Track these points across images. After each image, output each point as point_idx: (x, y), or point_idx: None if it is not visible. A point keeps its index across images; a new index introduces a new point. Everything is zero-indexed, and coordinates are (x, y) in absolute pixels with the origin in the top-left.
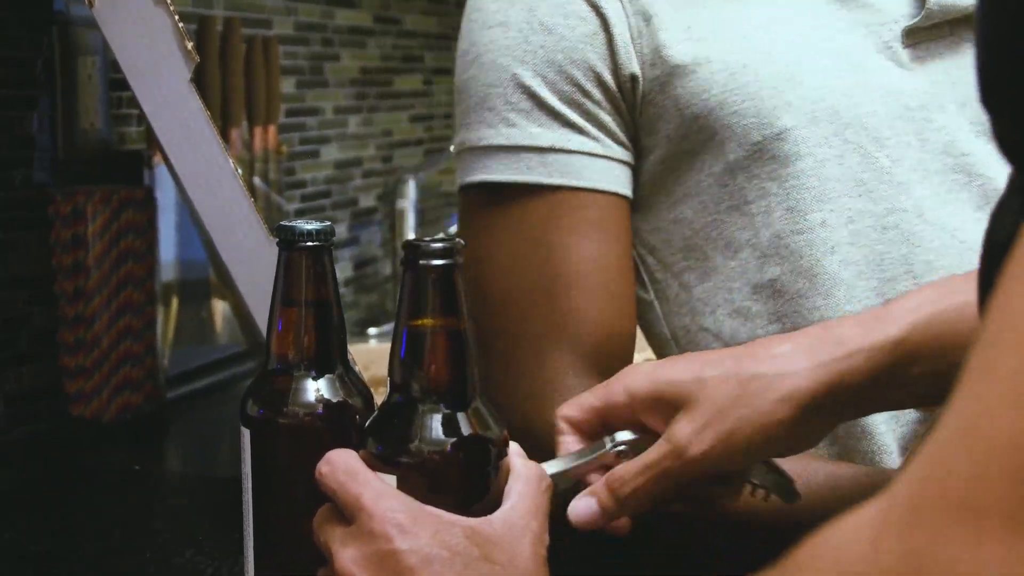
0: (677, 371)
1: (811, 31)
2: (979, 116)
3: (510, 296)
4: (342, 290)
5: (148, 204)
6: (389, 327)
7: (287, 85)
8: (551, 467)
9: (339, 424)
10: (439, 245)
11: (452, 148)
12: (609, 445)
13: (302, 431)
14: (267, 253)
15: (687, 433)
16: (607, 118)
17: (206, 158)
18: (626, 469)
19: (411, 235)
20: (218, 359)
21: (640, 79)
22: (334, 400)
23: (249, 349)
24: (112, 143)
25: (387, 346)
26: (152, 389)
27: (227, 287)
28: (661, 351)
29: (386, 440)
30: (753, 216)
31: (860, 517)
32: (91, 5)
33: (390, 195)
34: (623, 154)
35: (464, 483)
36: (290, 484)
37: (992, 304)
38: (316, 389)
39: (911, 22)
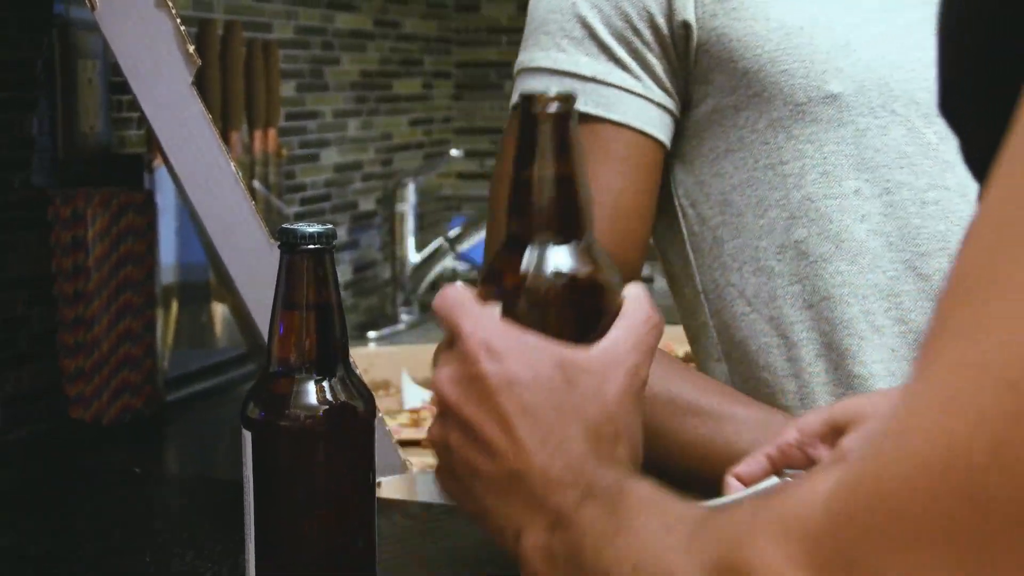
0: (846, 402)
1: (877, 2)
2: None
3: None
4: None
5: (148, 207)
6: (389, 330)
7: (287, 88)
8: (717, 501)
9: (340, 426)
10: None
11: (514, 70)
12: (777, 478)
13: (303, 434)
14: (267, 256)
15: (858, 442)
16: (654, 60)
17: (207, 161)
18: None
19: (411, 239)
20: (217, 362)
21: (694, 28)
22: (335, 402)
23: (248, 352)
24: (112, 146)
25: (387, 350)
26: (152, 391)
27: (227, 289)
28: (691, 312)
29: (494, 278)
30: (786, 177)
31: (806, 489)
32: (93, 8)
33: (389, 199)
34: (664, 98)
35: (571, 320)
36: (291, 486)
37: (941, 299)
38: (317, 392)
39: None
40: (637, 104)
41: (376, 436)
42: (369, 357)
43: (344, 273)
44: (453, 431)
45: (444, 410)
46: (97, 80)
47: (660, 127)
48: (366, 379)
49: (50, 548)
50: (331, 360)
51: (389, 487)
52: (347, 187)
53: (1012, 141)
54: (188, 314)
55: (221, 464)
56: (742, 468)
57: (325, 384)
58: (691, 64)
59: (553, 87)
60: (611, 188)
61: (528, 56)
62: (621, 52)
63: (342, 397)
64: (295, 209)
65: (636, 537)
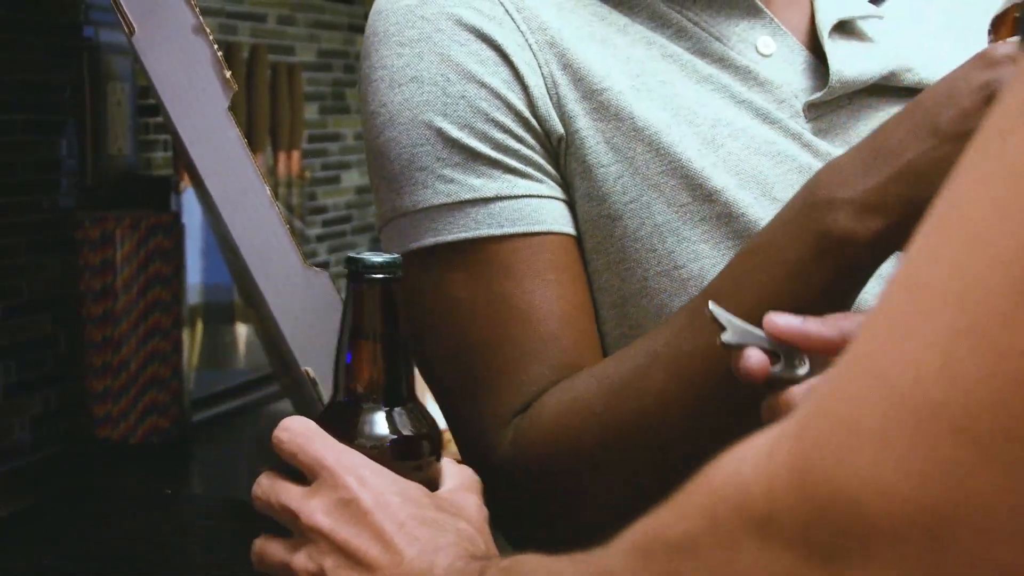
0: None
1: (721, 104)
2: None
3: (476, 351)
4: None
5: (175, 229)
6: None
7: (310, 111)
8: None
9: (408, 457)
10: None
11: (378, 219)
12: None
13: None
14: (301, 278)
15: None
16: (543, 161)
17: (242, 184)
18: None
19: None
20: (241, 383)
21: (556, 129)
22: (403, 433)
23: (273, 372)
24: (139, 168)
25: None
26: (178, 412)
27: (256, 311)
28: None
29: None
30: (685, 281)
31: (758, 437)
32: (131, 32)
33: None
34: (563, 192)
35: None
36: None
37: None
38: (385, 422)
39: (812, 97)
40: (551, 207)
41: None
42: None
43: None
44: (328, 557)
45: (314, 538)
46: (125, 103)
47: (573, 222)
48: None
49: (76, 568)
50: (399, 390)
51: None
52: (367, 209)
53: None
54: (213, 335)
55: (246, 485)
56: (780, 319)
57: (393, 414)
58: (561, 167)
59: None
60: (550, 298)
61: (409, 200)
62: (513, 162)
63: (409, 427)
64: (316, 231)
65: None
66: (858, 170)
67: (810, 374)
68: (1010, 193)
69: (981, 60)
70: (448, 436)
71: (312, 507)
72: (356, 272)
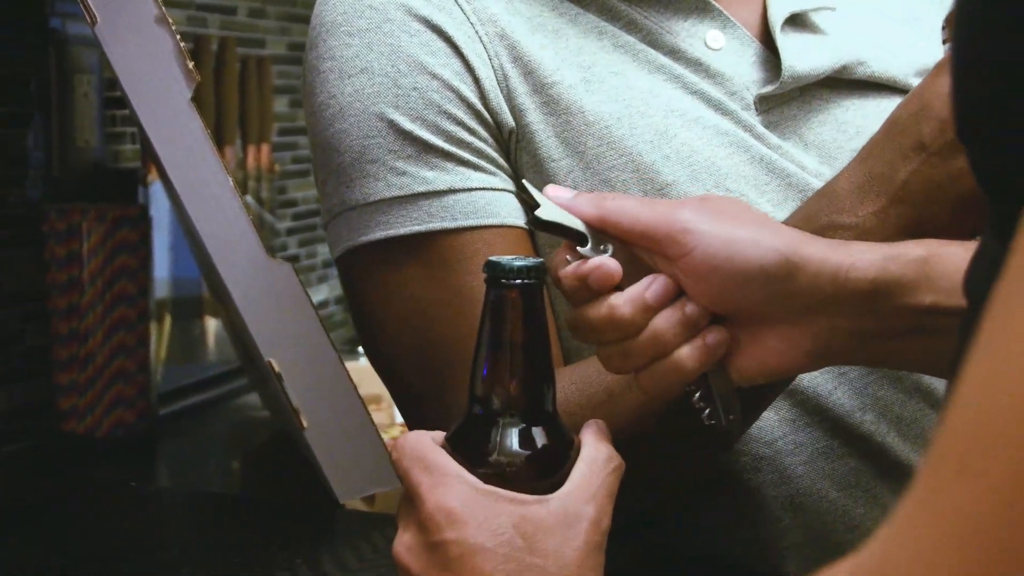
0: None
1: (674, 94)
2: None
3: (436, 347)
4: (331, 309)
5: (142, 222)
6: None
7: (280, 104)
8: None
9: (546, 473)
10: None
11: (324, 215)
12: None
13: (506, 482)
14: (264, 270)
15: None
16: (495, 154)
17: (206, 177)
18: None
19: None
20: (210, 376)
21: (507, 121)
22: (540, 449)
23: (241, 366)
24: (107, 161)
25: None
26: (145, 405)
27: (222, 304)
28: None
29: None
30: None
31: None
32: (93, 23)
33: None
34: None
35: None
36: None
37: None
38: (523, 437)
39: (763, 90)
40: (504, 199)
41: (370, 449)
42: (360, 372)
43: (334, 288)
44: None
45: (400, 571)
46: (92, 95)
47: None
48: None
49: (43, 562)
50: (540, 404)
51: (384, 500)
52: None
53: None
54: (181, 328)
55: (213, 478)
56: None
57: (532, 430)
58: (513, 160)
59: (433, 222)
60: None
61: (360, 192)
62: (466, 154)
63: (547, 443)
64: (287, 224)
65: None
66: (854, 196)
67: (615, 254)
68: None
69: (946, 66)
70: None
71: (403, 546)
72: (495, 277)
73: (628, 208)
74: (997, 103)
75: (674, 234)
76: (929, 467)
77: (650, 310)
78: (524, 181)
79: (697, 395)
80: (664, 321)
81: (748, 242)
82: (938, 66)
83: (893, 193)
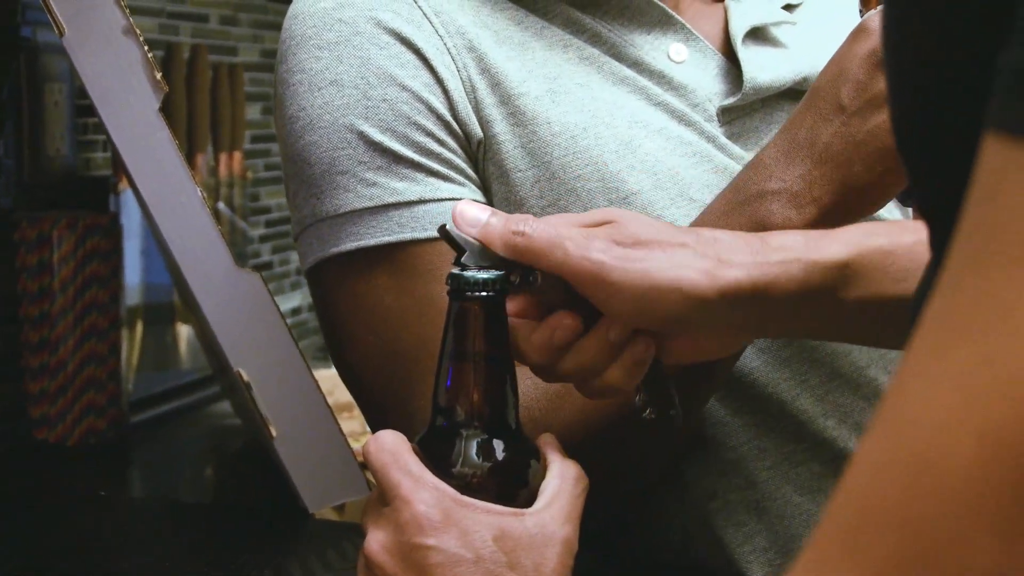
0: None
1: (638, 105)
2: None
3: (405, 356)
4: (303, 316)
5: (113, 230)
6: None
7: (252, 111)
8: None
9: (511, 485)
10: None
11: (295, 227)
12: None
13: (472, 493)
14: (232, 280)
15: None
16: (464, 164)
17: (173, 186)
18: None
19: None
20: (182, 383)
21: (475, 132)
22: (503, 461)
23: (214, 374)
24: (78, 169)
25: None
26: (116, 413)
27: (192, 312)
28: None
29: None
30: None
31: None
32: (61, 33)
33: None
34: (485, 198)
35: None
36: None
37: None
38: (486, 449)
39: (726, 101)
40: None
41: (339, 458)
42: (333, 379)
43: (307, 295)
44: None
45: (371, 567)
46: (63, 103)
47: None
48: (329, 401)
49: (12, 570)
50: (502, 416)
51: (353, 509)
52: None
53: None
54: (153, 336)
55: (185, 487)
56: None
57: (494, 442)
58: (480, 170)
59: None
60: None
61: (330, 204)
62: (435, 165)
63: (510, 455)
64: (260, 231)
65: None
66: (780, 163)
67: (543, 284)
68: None
69: (861, 32)
70: None
71: (377, 544)
72: (458, 289)
73: (541, 250)
74: (928, 126)
75: (589, 284)
76: (816, 542)
77: (563, 349)
78: (448, 225)
79: (636, 396)
80: (588, 351)
81: (668, 290)
82: (853, 32)
83: (817, 155)
